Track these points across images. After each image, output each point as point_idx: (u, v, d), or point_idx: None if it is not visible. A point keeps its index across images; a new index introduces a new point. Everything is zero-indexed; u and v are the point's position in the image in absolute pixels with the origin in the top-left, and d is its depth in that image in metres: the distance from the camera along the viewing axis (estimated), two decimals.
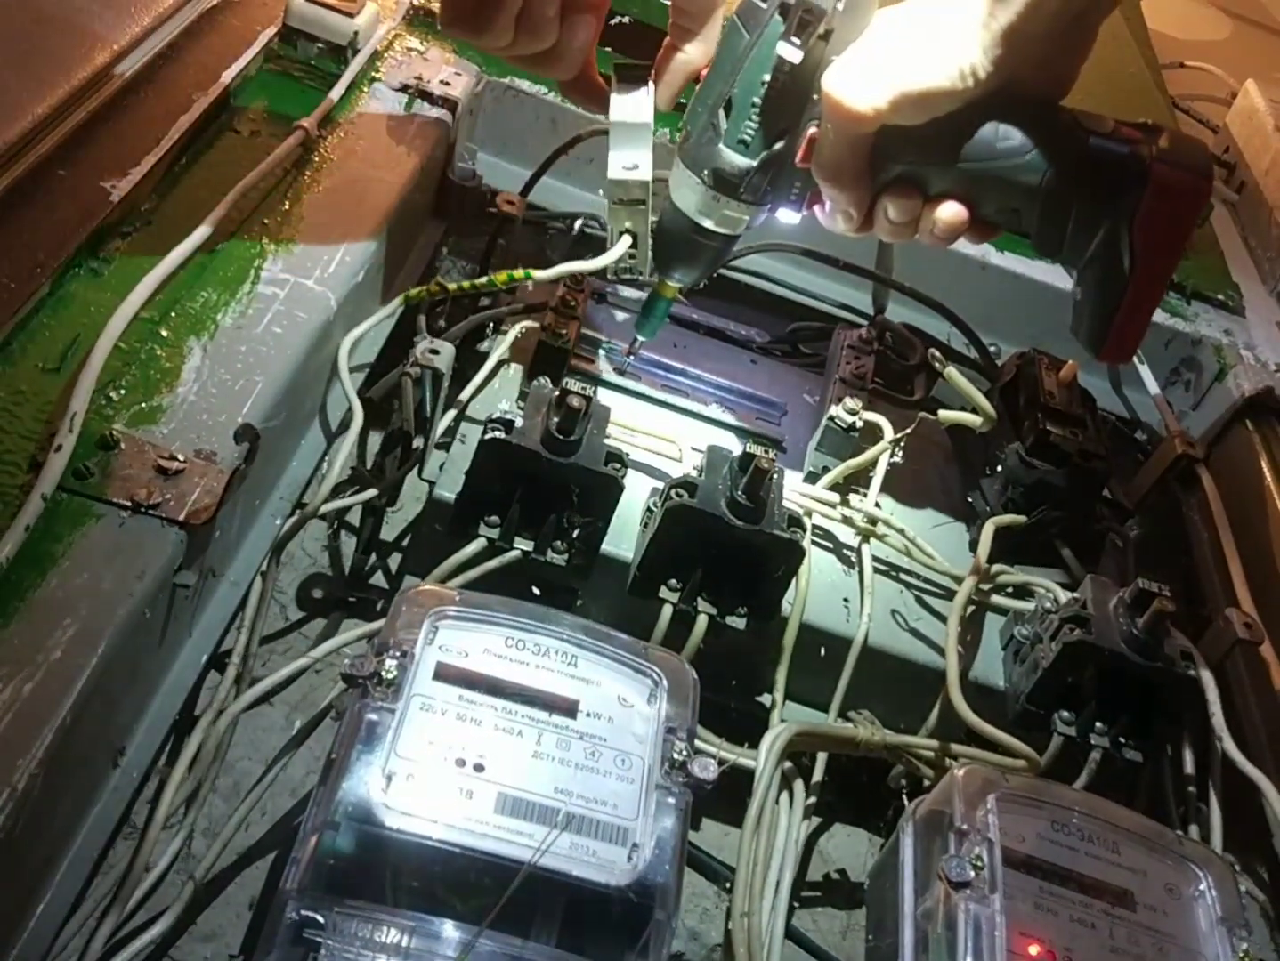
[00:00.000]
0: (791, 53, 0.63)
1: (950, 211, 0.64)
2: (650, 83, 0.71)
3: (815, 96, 0.64)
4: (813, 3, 0.62)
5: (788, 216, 0.71)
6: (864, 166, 0.64)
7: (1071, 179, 0.63)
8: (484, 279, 0.78)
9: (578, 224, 1.01)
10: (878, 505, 0.82)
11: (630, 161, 0.72)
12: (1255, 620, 0.82)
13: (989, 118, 0.62)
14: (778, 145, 0.67)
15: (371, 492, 0.75)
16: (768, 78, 0.65)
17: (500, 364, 0.83)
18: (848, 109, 0.61)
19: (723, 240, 0.72)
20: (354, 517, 0.80)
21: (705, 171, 0.68)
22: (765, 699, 0.76)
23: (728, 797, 0.67)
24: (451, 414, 0.78)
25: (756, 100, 0.65)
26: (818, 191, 0.68)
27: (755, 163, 0.67)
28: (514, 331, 0.84)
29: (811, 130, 0.65)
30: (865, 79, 0.61)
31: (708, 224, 0.71)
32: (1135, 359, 1.05)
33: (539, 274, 0.76)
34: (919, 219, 0.65)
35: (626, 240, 0.74)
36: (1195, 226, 0.63)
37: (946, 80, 0.60)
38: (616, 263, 0.76)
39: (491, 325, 0.87)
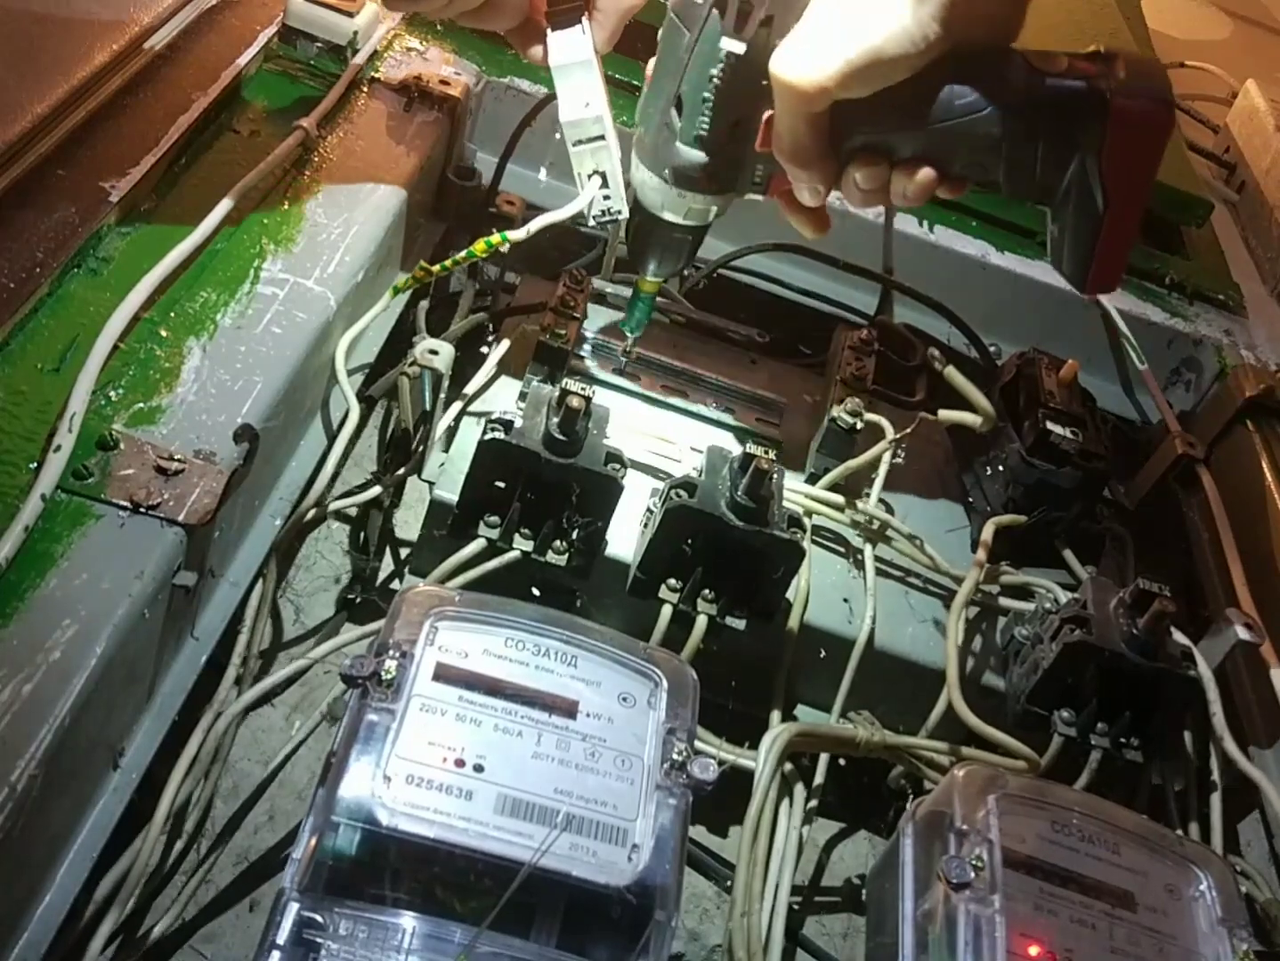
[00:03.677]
0: (735, 45, 0.63)
1: (919, 173, 0.63)
2: (586, 20, 0.71)
3: (766, 82, 0.63)
4: None
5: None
6: (824, 143, 0.63)
7: (1032, 123, 0.62)
8: (463, 253, 0.76)
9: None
10: (881, 504, 0.82)
11: (581, 100, 0.72)
12: (1256, 620, 0.82)
13: (943, 78, 0.61)
14: (735, 136, 0.67)
15: (371, 494, 0.75)
16: (715, 72, 0.64)
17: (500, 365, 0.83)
18: (797, 89, 0.61)
19: (694, 230, 0.72)
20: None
21: (665, 170, 0.68)
22: (765, 700, 0.76)
23: (728, 798, 0.67)
24: (452, 414, 0.78)
25: (707, 95, 0.65)
26: (782, 175, 0.68)
27: (714, 156, 0.67)
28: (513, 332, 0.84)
29: (768, 114, 0.65)
30: (811, 57, 0.60)
31: (675, 219, 0.71)
32: (1136, 359, 1.05)
33: (514, 234, 0.75)
34: (888, 184, 0.65)
35: (596, 181, 0.74)
36: (1162, 151, 0.63)
37: (895, 48, 0.59)
38: (592, 206, 0.74)
39: (490, 325, 0.87)
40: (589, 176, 0.74)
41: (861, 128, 0.63)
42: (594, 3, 0.71)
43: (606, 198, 0.74)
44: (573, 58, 0.71)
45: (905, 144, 0.63)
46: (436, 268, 0.77)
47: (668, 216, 0.71)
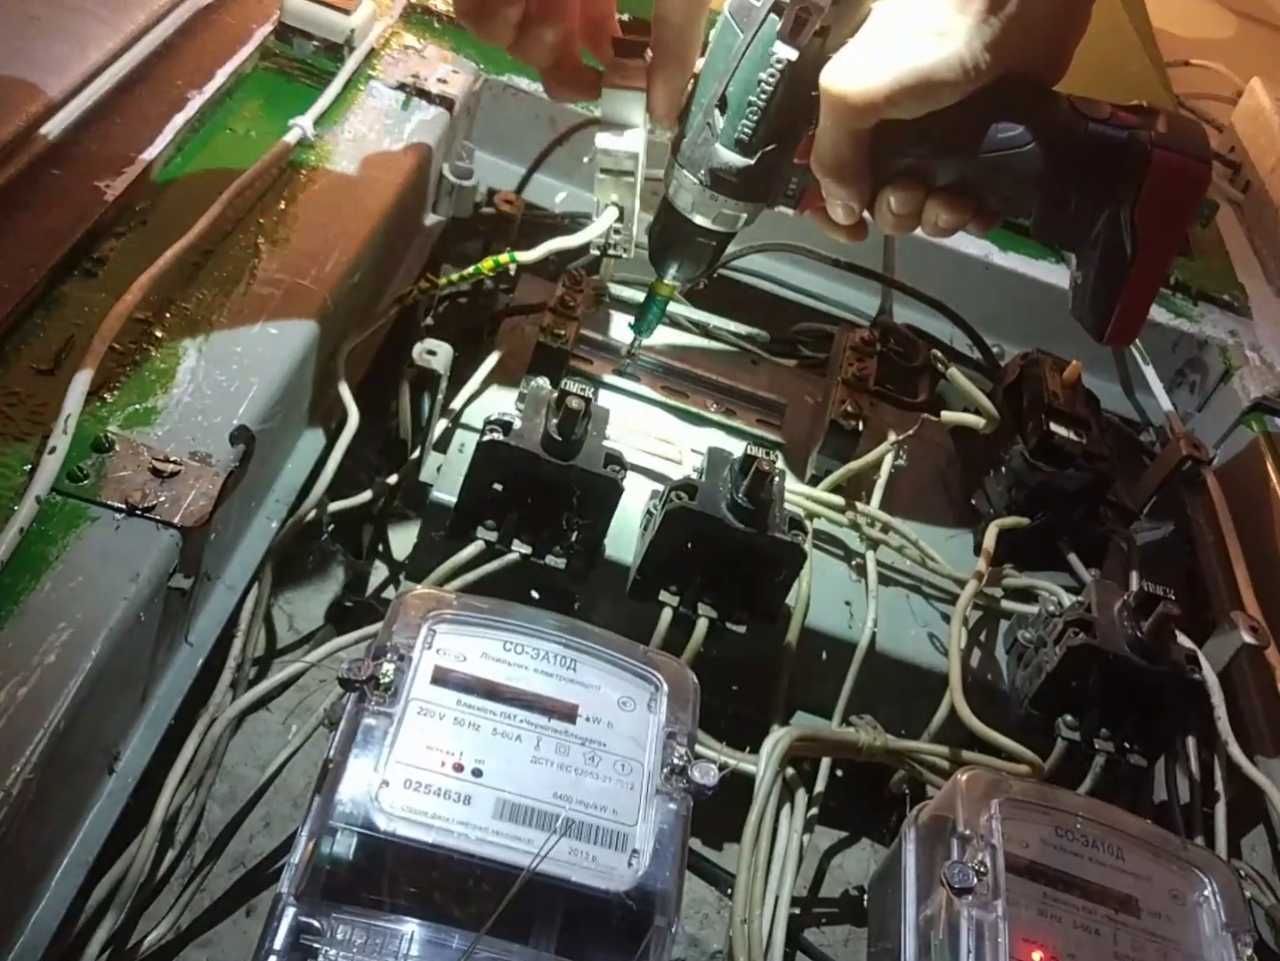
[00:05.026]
0: (788, 52, 0.62)
1: (953, 203, 0.64)
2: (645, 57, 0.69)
3: (814, 93, 0.63)
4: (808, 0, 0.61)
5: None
6: (864, 161, 0.64)
7: (1072, 167, 0.62)
8: (470, 269, 0.76)
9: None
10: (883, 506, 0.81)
11: (620, 131, 0.71)
12: (1261, 623, 0.81)
13: (989, 109, 0.62)
14: (775, 143, 0.66)
15: (366, 497, 0.75)
16: (764, 76, 0.64)
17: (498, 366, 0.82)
18: (845, 102, 0.61)
19: (720, 237, 0.71)
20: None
21: (702, 171, 0.68)
22: (766, 703, 0.75)
23: (729, 803, 0.67)
24: (451, 415, 0.78)
25: (753, 99, 0.64)
26: (814, 190, 0.67)
27: (753, 161, 0.66)
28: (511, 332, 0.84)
29: (812, 127, 0.65)
30: (862, 72, 0.61)
31: (704, 222, 0.70)
32: (1140, 360, 1.04)
33: (524, 255, 0.75)
34: (921, 211, 0.65)
35: (612, 212, 0.73)
36: (1197, 209, 0.63)
37: (947, 72, 0.59)
38: (602, 238, 0.74)
39: (489, 325, 0.87)
40: (605, 206, 0.73)
41: (903, 150, 0.63)
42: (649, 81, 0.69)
43: (618, 232, 0.74)
44: (626, 89, 0.69)
45: (944, 172, 0.63)
46: (443, 281, 0.77)
47: (697, 219, 0.70)
